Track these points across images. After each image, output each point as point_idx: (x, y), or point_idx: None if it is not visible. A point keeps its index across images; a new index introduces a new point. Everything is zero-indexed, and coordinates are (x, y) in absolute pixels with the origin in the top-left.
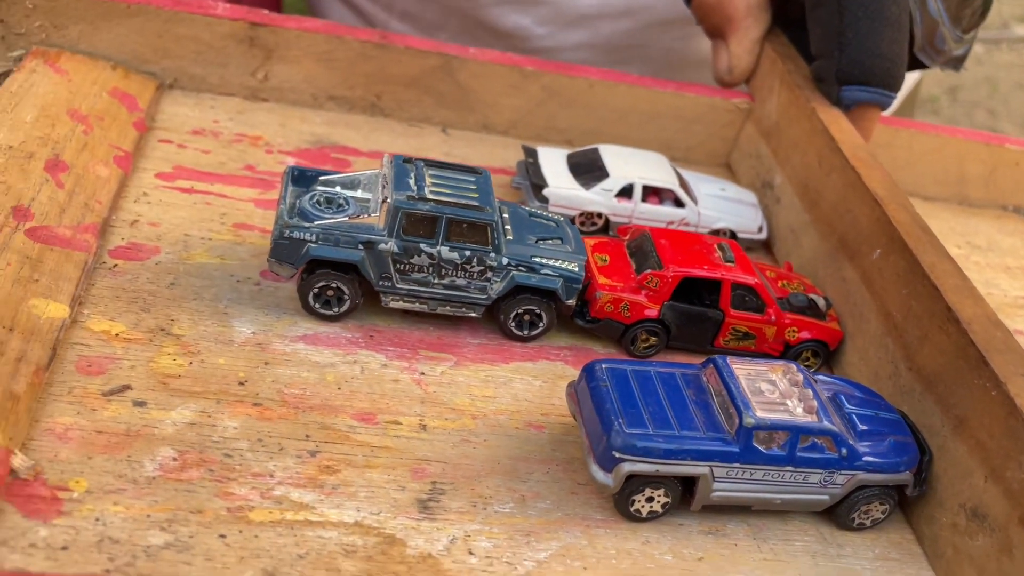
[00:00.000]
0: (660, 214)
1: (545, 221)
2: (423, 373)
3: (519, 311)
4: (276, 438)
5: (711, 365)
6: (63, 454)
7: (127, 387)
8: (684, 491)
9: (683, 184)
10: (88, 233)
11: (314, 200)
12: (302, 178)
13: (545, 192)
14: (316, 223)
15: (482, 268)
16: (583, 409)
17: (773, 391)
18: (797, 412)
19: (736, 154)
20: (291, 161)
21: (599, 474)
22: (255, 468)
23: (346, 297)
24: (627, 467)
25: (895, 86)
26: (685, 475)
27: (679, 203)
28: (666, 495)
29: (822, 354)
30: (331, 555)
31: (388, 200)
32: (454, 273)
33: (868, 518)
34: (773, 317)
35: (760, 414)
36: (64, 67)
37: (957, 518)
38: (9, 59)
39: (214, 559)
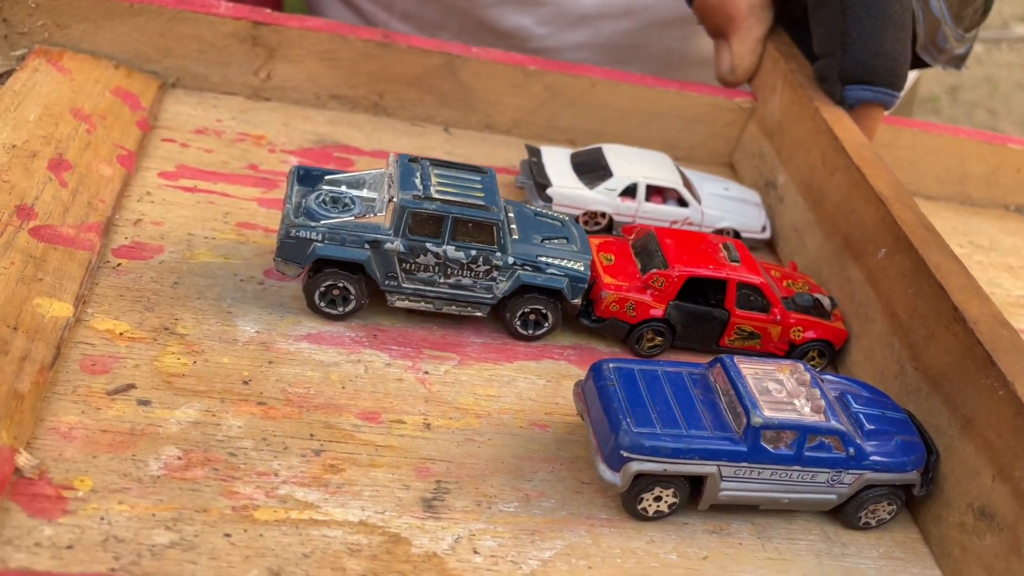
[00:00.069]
0: (664, 213)
1: (551, 220)
2: (427, 372)
3: (525, 310)
4: (280, 437)
5: (718, 364)
6: (68, 453)
7: (131, 386)
8: (691, 490)
9: (687, 183)
10: (92, 232)
11: (320, 199)
12: (308, 177)
13: (549, 191)
14: (322, 222)
15: (488, 267)
16: (591, 408)
17: (780, 390)
18: (805, 411)
19: (739, 153)
20: (294, 160)
21: (607, 473)
22: (260, 467)
23: (352, 297)
24: (635, 466)
25: (898, 85)
26: (693, 474)
27: (683, 203)
28: (674, 495)
29: (827, 354)
30: (336, 554)
31: (394, 199)
32: (460, 272)
33: (875, 518)
34: (778, 317)
35: (768, 413)
36: (67, 66)
37: (965, 517)
38: (12, 58)
39: (219, 558)
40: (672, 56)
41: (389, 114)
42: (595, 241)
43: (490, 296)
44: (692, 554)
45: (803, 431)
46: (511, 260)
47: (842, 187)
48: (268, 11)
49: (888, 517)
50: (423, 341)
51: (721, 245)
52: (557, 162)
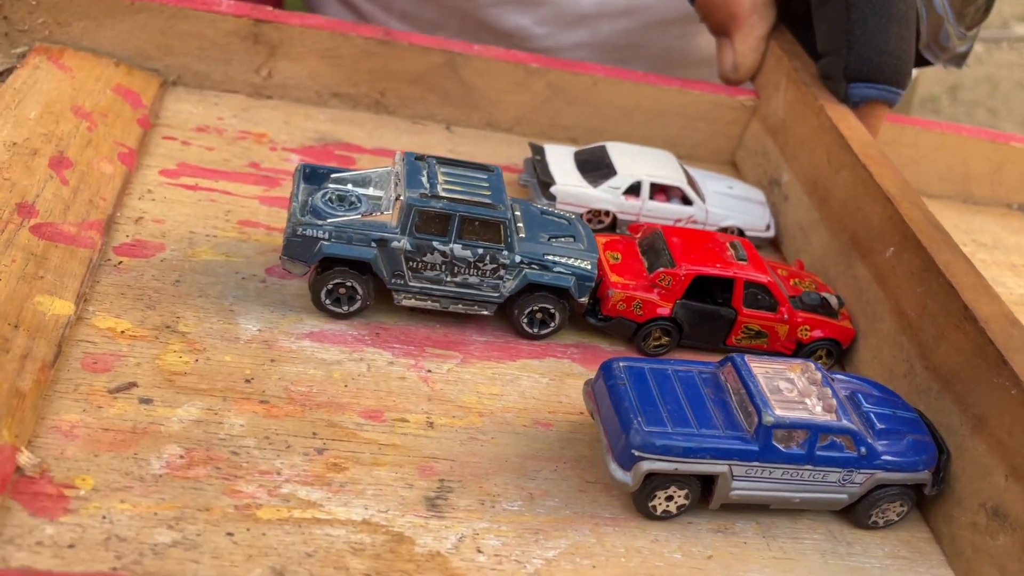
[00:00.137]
0: (668, 212)
1: (557, 219)
2: (430, 371)
3: (533, 308)
4: (283, 436)
5: (729, 363)
6: (69, 452)
7: (133, 384)
8: (702, 490)
9: (691, 182)
10: (93, 230)
11: (326, 198)
12: (313, 175)
13: (553, 190)
14: (329, 221)
15: (495, 266)
16: (601, 407)
17: (791, 389)
18: (816, 411)
19: (741, 151)
20: (295, 158)
21: (618, 472)
22: (262, 466)
23: (358, 297)
24: (646, 465)
25: (903, 83)
26: (704, 474)
27: (687, 201)
28: (686, 497)
29: (835, 353)
30: (339, 553)
31: (401, 197)
32: (467, 271)
33: (885, 517)
34: (786, 316)
35: (779, 412)
36: (67, 64)
37: (977, 517)
38: (12, 56)
39: (222, 557)
40: (671, 55)
41: (390, 112)
42: (601, 239)
43: (497, 295)
44: (697, 553)
45: (815, 430)
46: (518, 259)
47: (848, 185)
48: (269, 8)
49: (896, 519)
50: (425, 339)
51: (728, 244)
52: (561, 160)
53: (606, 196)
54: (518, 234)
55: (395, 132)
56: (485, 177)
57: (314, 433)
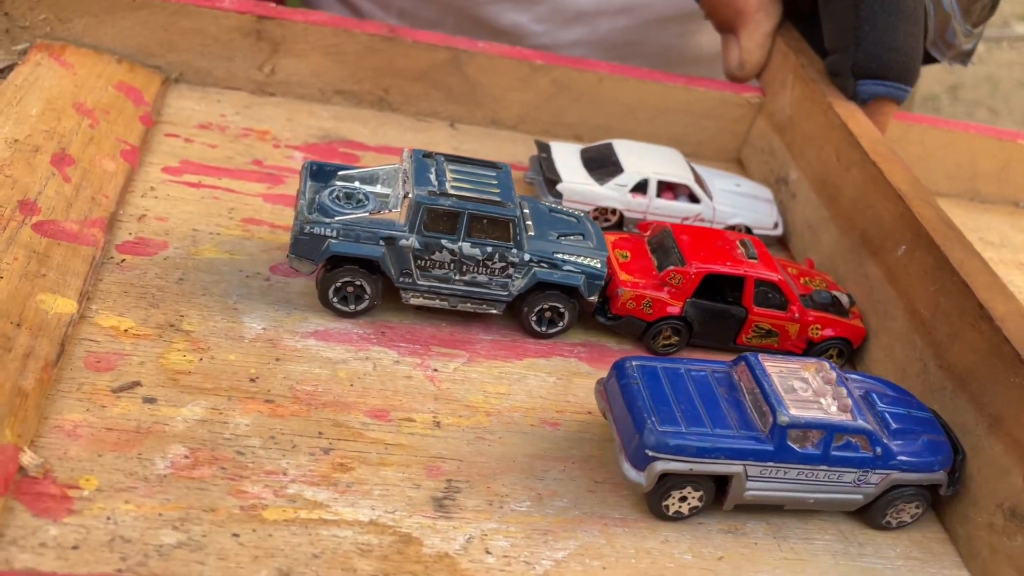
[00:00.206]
0: (675, 210)
1: (566, 217)
2: (436, 370)
3: (543, 307)
4: (289, 435)
5: (743, 363)
6: (73, 451)
7: (137, 383)
8: (716, 491)
9: (698, 179)
10: (95, 228)
11: (334, 195)
12: (320, 173)
13: (559, 187)
14: (336, 219)
15: (504, 264)
16: (614, 407)
17: (806, 389)
18: (831, 410)
19: (747, 149)
20: (299, 156)
21: (631, 472)
22: (268, 466)
23: (366, 296)
24: (660, 466)
25: (911, 80)
26: (718, 474)
27: (694, 199)
28: (700, 499)
29: (846, 352)
30: (346, 554)
31: (409, 195)
32: (475, 270)
33: (899, 519)
34: (796, 314)
35: (794, 412)
36: (69, 60)
37: (994, 518)
38: (14, 52)
39: (228, 558)
40: (670, 53)
41: (394, 109)
42: (610, 238)
43: (505, 293)
44: (707, 554)
45: (830, 430)
46: (527, 257)
47: (858, 183)
48: (272, 5)
49: (910, 520)
50: (431, 338)
51: (738, 242)
52: (567, 158)
53: (613, 194)
54: (527, 232)
55: (399, 129)
56: (494, 175)
57: (320, 433)
